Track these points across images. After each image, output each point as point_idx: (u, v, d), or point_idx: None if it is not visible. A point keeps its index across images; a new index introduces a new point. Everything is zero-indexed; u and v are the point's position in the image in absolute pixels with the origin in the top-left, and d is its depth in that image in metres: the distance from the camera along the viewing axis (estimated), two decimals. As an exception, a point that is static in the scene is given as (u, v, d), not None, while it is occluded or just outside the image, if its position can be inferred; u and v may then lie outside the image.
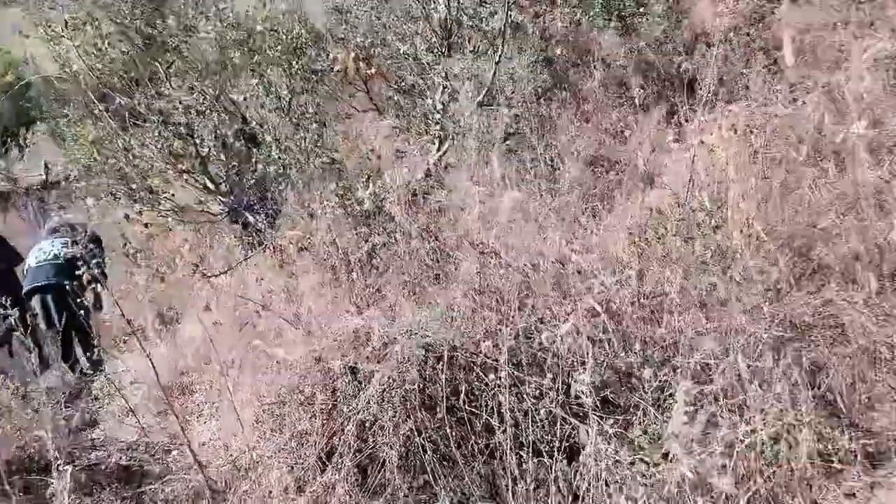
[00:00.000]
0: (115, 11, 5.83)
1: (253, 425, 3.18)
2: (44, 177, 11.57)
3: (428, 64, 5.00)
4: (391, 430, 2.61)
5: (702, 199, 3.13)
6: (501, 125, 4.01)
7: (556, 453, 2.37)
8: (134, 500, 3.22)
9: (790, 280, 2.65)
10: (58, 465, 2.60)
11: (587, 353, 2.30)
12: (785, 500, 2.18)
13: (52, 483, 2.59)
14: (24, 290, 5.14)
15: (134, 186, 5.00)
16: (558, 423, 2.37)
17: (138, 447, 3.87)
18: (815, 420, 2.29)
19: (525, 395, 2.47)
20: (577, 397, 2.34)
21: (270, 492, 2.79)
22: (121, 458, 3.78)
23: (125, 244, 5.93)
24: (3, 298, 3.36)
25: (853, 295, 2.63)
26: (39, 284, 5.08)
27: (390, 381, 2.64)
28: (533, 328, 2.68)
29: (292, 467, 2.84)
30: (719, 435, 2.05)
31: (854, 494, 2.21)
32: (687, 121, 3.54)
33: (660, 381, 2.34)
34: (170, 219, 5.49)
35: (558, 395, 2.42)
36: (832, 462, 2.23)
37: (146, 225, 5.67)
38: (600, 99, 4.90)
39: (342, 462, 2.69)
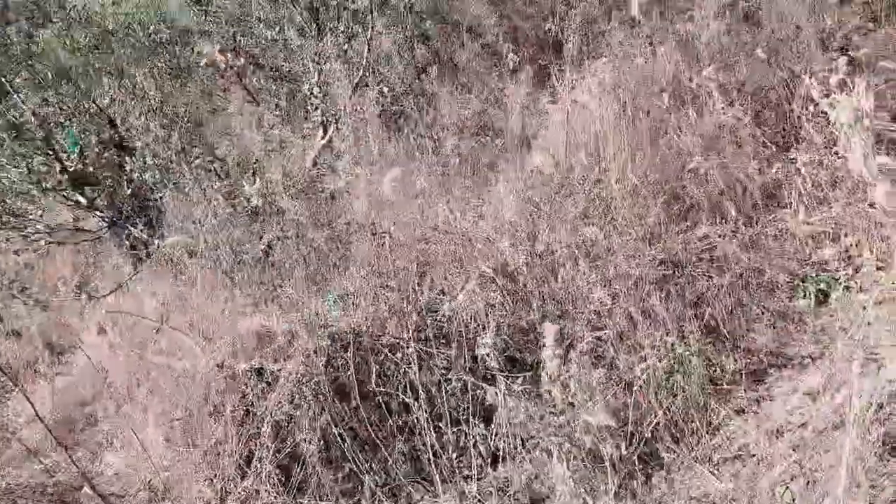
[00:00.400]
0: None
1: (165, 444, 3.05)
2: None
3: (299, 48, 4.87)
4: (307, 426, 2.58)
5: (579, 156, 3.26)
6: (377, 105, 3.98)
7: (471, 419, 2.43)
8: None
9: (665, 221, 2.82)
10: None
11: (487, 317, 2.36)
12: (683, 427, 2.35)
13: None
14: None
15: (-5, 213, 4.59)
16: (469, 390, 2.42)
17: (45, 490, 3.63)
18: (703, 349, 2.48)
19: (435, 368, 2.51)
20: (483, 361, 2.41)
21: (191, 508, 2.70)
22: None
23: (-1, 276, 5.47)
24: None
25: (722, 228, 2.84)
26: None
27: (299, 376, 2.60)
28: (435, 301, 2.72)
29: (211, 480, 2.76)
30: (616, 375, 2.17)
31: (742, 410, 2.41)
32: (559, 81, 3.66)
33: (559, 334, 2.44)
34: (43, 242, 5.09)
35: (466, 363, 2.48)
36: (721, 384, 2.43)
37: (16, 252, 5.24)
38: (477, 69, 4.96)
39: (262, 466, 2.64)
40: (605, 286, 2.62)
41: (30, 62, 5.68)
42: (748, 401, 2.41)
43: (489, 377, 2.40)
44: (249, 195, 4.40)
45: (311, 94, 4.65)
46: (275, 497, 2.59)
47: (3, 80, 5.24)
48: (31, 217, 4.89)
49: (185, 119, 5.56)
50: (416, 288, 2.67)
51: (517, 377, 2.40)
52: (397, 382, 2.54)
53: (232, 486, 2.71)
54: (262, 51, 5.36)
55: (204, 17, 5.61)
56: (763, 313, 2.74)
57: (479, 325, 2.51)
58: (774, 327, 2.65)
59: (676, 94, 3.34)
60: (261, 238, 4.06)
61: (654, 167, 3.18)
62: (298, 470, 2.64)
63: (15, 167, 4.47)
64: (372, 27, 4.73)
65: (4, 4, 5.90)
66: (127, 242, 5.01)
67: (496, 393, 2.32)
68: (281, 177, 4.46)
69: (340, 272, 3.03)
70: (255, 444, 2.69)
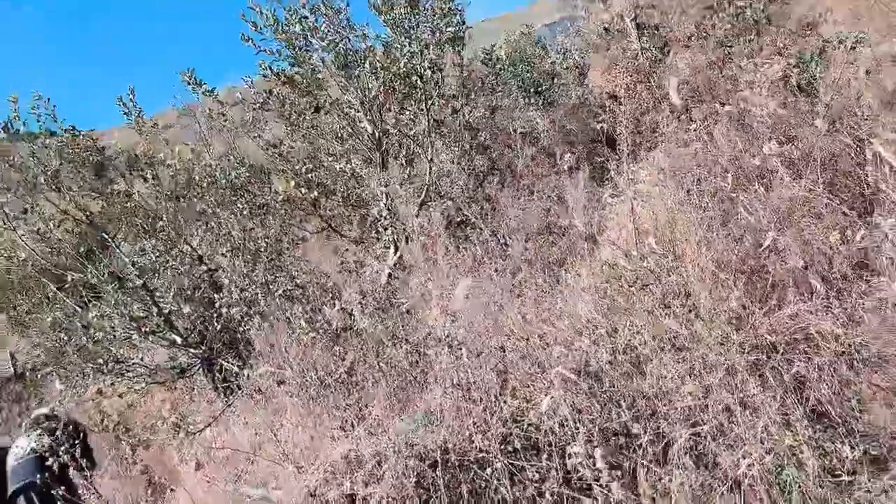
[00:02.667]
0: (55, 195, 5.94)
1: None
2: (11, 370, 11.28)
3: (366, 175, 5.18)
4: (403, 552, 2.51)
5: (650, 244, 3.22)
6: (443, 219, 4.12)
7: (569, 534, 2.30)
8: None
9: (749, 303, 2.71)
10: None
11: (575, 423, 2.28)
12: (804, 526, 2.13)
13: None
14: (9, 492, 4.92)
15: (101, 360, 4.92)
16: (565, 502, 2.31)
17: None
18: (813, 437, 2.28)
19: (527, 481, 2.41)
20: (576, 470, 2.31)
21: None
22: None
23: (102, 419, 5.79)
24: None
25: (812, 304, 2.69)
26: (22, 484, 4.88)
27: (390, 500, 2.56)
28: (520, 410, 2.66)
29: None
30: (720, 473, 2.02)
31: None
32: (618, 174, 3.70)
33: (652, 434, 2.32)
34: (144, 383, 5.39)
35: (559, 473, 2.38)
36: (840, 475, 2.21)
37: (121, 395, 5.56)
38: (535, 171, 5.11)
39: None
40: (695, 378, 2.50)
41: (128, 216, 6.29)
42: (873, 492, 2.17)
43: (585, 487, 2.28)
44: (330, 318, 4.56)
45: (381, 216, 4.89)
46: None
47: (104, 235, 5.81)
48: (132, 361, 5.21)
49: (267, 252, 5.91)
50: (498, 397, 2.63)
51: (612, 483, 2.28)
52: (489, 500, 2.46)
53: None
54: (333, 182, 5.72)
55: (278, 158, 6.09)
56: (875, 392, 2.51)
57: (567, 431, 2.43)
58: (891, 406, 2.42)
59: (740, 174, 3.30)
60: (343, 359, 4.15)
61: (729, 248, 3.09)
62: None
63: (119, 316, 4.83)
64: (431, 146, 4.99)
65: (100, 164, 6.62)
66: (219, 375, 5.23)
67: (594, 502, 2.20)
68: (358, 297, 4.61)
69: (422, 388, 3.03)
70: (350, 576, 2.63)
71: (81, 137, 6.37)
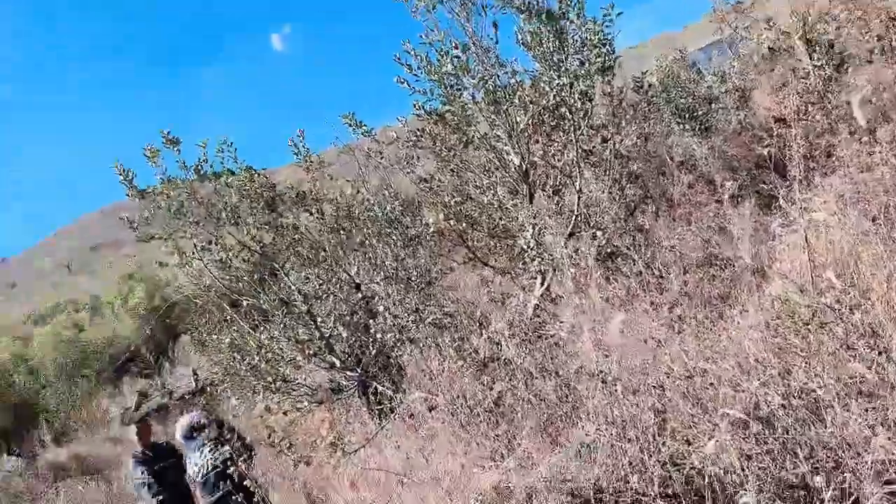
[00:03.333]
0: (233, 228, 6.61)
1: None
2: (193, 385, 12.64)
3: (513, 206, 5.24)
4: (554, 591, 2.45)
5: (829, 279, 2.93)
6: (593, 250, 4.04)
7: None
8: None
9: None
10: None
11: (744, 470, 2.11)
12: None
13: None
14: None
15: (270, 379, 5.36)
16: (735, 557, 2.13)
17: None
18: None
19: (691, 529, 2.26)
20: (747, 523, 2.13)
21: None
22: None
23: (269, 434, 6.27)
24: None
25: None
26: (217, 498, 5.23)
27: (541, 535, 2.52)
28: (680, 452, 2.51)
29: None
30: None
31: None
32: (788, 202, 3.42)
33: (836, 488, 2.08)
34: (306, 402, 5.78)
35: (726, 524, 2.21)
36: None
37: (285, 413, 6.00)
38: (693, 200, 4.87)
39: None
40: (888, 430, 2.21)
41: (295, 248, 6.84)
42: None
43: (758, 542, 2.10)
44: (477, 347, 4.62)
45: (528, 246, 4.90)
46: None
47: (275, 264, 6.36)
48: (297, 381, 5.62)
49: (417, 281, 6.14)
50: (657, 438, 2.50)
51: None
52: (649, 545, 2.33)
53: None
54: (480, 214, 5.84)
55: (428, 192, 6.35)
56: None
57: (735, 479, 2.25)
58: None
59: (938, 199, 2.92)
60: (491, 389, 4.18)
61: (927, 283, 2.73)
62: None
63: (286, 339, 5.24)
64: (580, 176, 4.94)
65: (272, 200, 7.27)
66: (374, 398, 5.47)
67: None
68: (505, 327, 4.63)
69: (573, 423, 2.97)
70: None
71: (257, 176, 7.08)
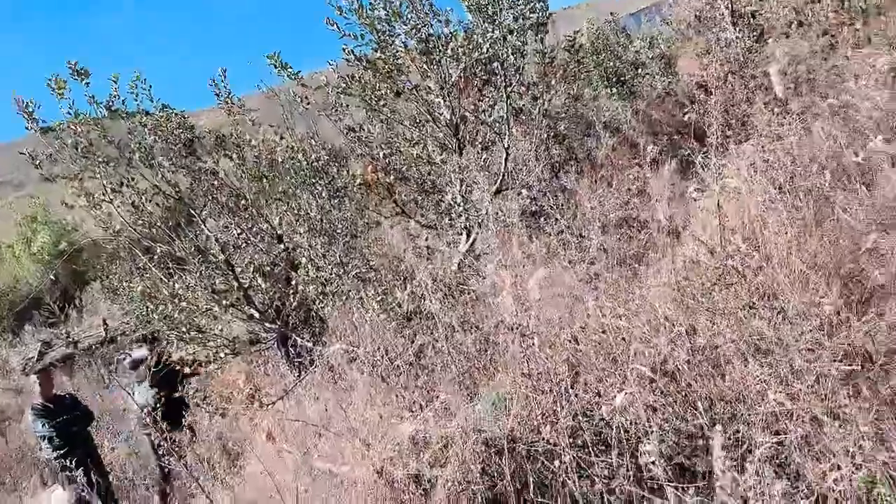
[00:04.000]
0: (147, 171, 6.24)
1: (328, 552, 3.10)
2: (103, 334, 12.07)
3: (441, 162, 5.19)
4: (465, 536, 2.52)
5: (736, 243, 3.08)
6: (517, 207, 4.08)
7: (637, 534, 2.24)
8: None
9: (844, 310, 2.54)
10: None
11: (649, 422, 2.22)
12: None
13: None
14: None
15: (184, 329, 5.17)
16: (634, 501, 2.25)
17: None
18: (911, 453, 2.13)
19: (595, 477, 2.37)
20: (648, 470, 2.24)
21: None
22: None
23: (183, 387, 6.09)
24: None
25: (917, 313, 2.50)
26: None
27: (455, 484, 2.58)
28: (591, 404, 2.61)
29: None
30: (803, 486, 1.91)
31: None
32: (704, 168, 3.55)
33: (731, 437, 2.23)
34: (221, 354, 5.63)
35: (629, 471, 2.32)
36: (939, 496, 2.05)
37: (200, 364, 5.83)
38: (615, 162, 4.97)
39: (421, 577, 2.59)
40: (781, 384, 2.37)
41: (213, 194, 6.55)
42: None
43: (656, 488, 2.22)
44: (401, 301, 4.62)
45: (455, 202, 4.89)
46: None
47: (192, 210, 6.08)
48: (213, 332, 5.45)
49: (343, 234, 6.03)
50: (569, 391, 2.59)
51: (687, 488, 2.20)
52: (557, 491, 2.43)
53: None
54: (409, 167, 5.76)
55: (357, 142, 6.19)
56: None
57: (640, 430, 2.36)
58: None
59: (839, 171, 3.10)
60: (412, 342, 4.20)
61: (823, 250, 2.91)
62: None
63: (202, 288, 5.05)
64: (508, 135, 4.94)
65: (190, 143, 6.92)
66: (293, 351, 5.40)
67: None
68: (429, 282, 4.64)
69: (490, 375, 3.02)
70: (415, 554, 2.67)
71: (174, 116, 6.68)
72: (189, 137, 6.70)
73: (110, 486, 5.83)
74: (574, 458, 2.33)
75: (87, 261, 15.41)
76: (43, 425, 5.47)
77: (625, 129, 5.65)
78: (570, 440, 2.43)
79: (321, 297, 5.32)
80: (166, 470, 5.50)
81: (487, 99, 5.00)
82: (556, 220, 4.33)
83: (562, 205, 4.55)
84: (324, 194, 6.50)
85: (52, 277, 15.11)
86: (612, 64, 6.79)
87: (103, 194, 5.93)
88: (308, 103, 6.32)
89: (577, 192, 4.69)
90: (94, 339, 12.18)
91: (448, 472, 2.62)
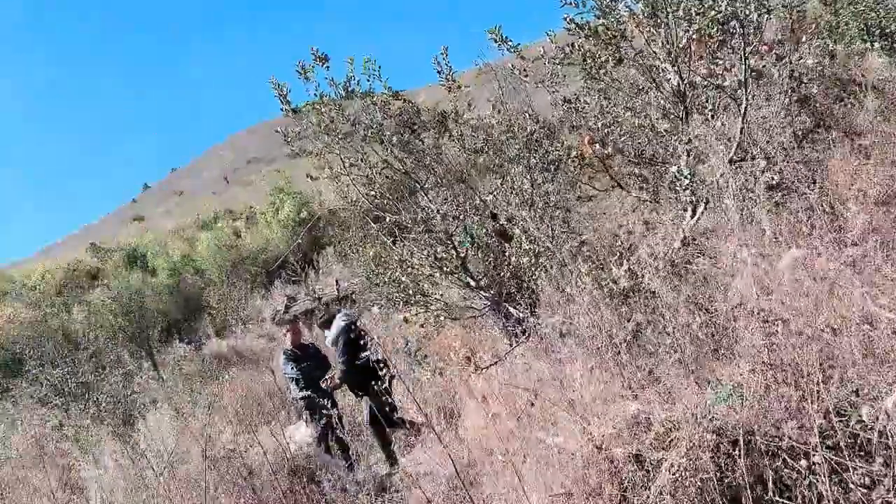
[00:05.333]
0: (378, 147, 6.79)
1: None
2: (336, 293, 13.54)
3: (665, 132, 4.90)
4: (691, 525, 2.41)
5: None
6: (761, 178, 3.70)
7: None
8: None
9: None
10: None
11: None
12: None
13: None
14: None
15: (410, 292, 5.59)
16: (903, 519, 1.97)
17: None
18: None
19: (851, 485, 2.11)
20: (923, 486, 1.94)
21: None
22: (425, 544, 4.05)
23: (406, 344, 6.62)
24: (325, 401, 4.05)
25: None
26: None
27: (681, 469, 2.47)
28: (846, 404, 2.32)
29: (590, 564, 2.76)
30: None
31: None
32: None
33: None
34: (441, 318, 5.99)
35: (894, 483, 2.03)
36: None
37: (421, 325, 6.28)
38: (879, 130, 4.27)
39: (641, 558, 2.55)
40: None
41: (434, 168, 6.92)
42: None
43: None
44: (617, 277, 4.50)
45: (680, 174, 4.60)
46: None
47: (417, 184, 6.50)
48: (433, 297, 5.82)
49: (555, 207, 6.03)
50: (821, 386, 2.32)
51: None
52: (800, 494, 2.21)
53: (609, 575, 2.67)
54: (628, 138, 5.54)
55: (573, 114, 6.09)
56: None
57: (914, 439, 2.05)
58: None
59: None
60: (629, 320, 4.08)
61: None
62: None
63: (425, 256, 5.40)
64: (746, 99, 4.49)
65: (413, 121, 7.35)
66: (506, 320, 5.56)
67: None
68: (649, 259, 4.45)
69: (723, 362, 2.82)
70: (634, 534, 2.62)
71: (399, 97, 7.17)
72: (411, 116, 7.14)
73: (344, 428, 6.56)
74: (826, 459, 2.10)
75: (323, 228, 17.38)
76: (291, 368, 6.34)
77: (890, 90, 4.82)
78: (821, 441, 2.18)
79: (533, 269, 5.38)
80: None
81: (722, 62, 4.58)
82: (803, 194, 3.86)
83: (808, 178, 4.04)
84: (537, 167, 6.52)
85: (296, 242, 17.27)
86: (873, 14, 5.80)
87: (342, 168, 6.59)
88: (526, 75, 6.34)
89: (827, 163, 4.12)
90: (329, 297, 13.74)
91: (674, 455, 2.52)
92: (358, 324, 6.13)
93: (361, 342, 5.36)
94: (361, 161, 6.50)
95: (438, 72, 6.88)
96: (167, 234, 25.49)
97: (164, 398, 9.32)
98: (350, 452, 5.67)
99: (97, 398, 9.85)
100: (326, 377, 6.10)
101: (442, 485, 4.17)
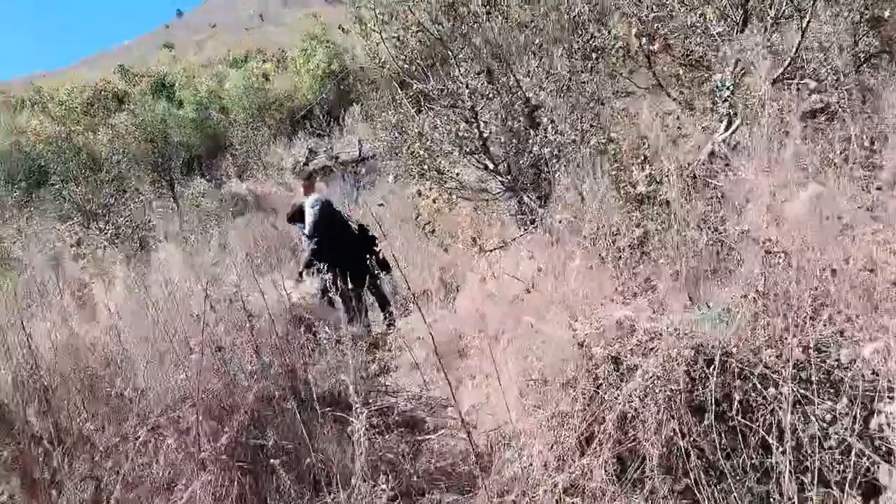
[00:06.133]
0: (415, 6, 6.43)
1: (517, 398, 3.37)
2: (357, 154, 13.48)
3: (718, 35, 4.59)
4: (653, 428, 2.55)
5: None
6: (803, 102, 3.50)
7: (847, 487, 2.08)
8: (414, 446, 3.67)
9: None
10: (356, 407, 3.04)
11: (898, 382, 1.95)
12: None
13: (353, 421, 3.05)
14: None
15: (426, 166, 5.55)
16: (853, 455, 2.06)
17: (420, 399, 4.40)
18: None
19: (813, 417, 2.19)
20: (880, 430, 2.02)
21: (531, 463, 2.94)
22: (406, 406, 4.34)
23: (417, 216, 6.68)
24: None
25: None
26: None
27: (654, 377, 2.57)
28: (829, 342, 2.35)
29: (552, 445, 2.95)
30: None
31: None
32: None
33: None
34: (454, 196, 6.00)
35: (855, 423, 2.11)
36: None
37: (434, 201, 6.30)
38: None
39: (601, 449, 2.72)
40: None
41: (472, 37, 6.60)
42: None
43: (885, 451, 2.00)
44: (636, 181, 4.42)
45: (722, 83, 4.37)
46: (607, 484, 2.65)
47: (450, 52, 6.23)
48: (450, 174, 5.78)
49: (589, 99, 5.80)
50: (808, 322, 2.35)
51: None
52: (763, 418, 2.31)
53: (570, 457, 2.86)
54: (678, 35, 5.21)
55: (625, 1, 5.69)
56: None
57: (883, 387, 2.10)
58: None
59: None
60: (638, 226, 4.06)
61: None
62: (635, 466, 2.65)
63: (447, 131, 5.30)
64: (810, 11, 4.16)
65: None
66: (518, 207, 5.56)
67: (891, 471, 1.92)
68: (672, 166, 4.34)
69: (719, 284, 2.84)
70: (598, 429, 2.78)
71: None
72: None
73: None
74: (794, 391, 2.17)
75: (352, 84, 16.95)
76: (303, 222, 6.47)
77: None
78: (795, 373, 2.25)
79: (554, 161, 5.29)
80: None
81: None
82: (844, 122, 3.68)
83: (858, 107, 3.82)
84: (579, 53, 6.20)
85: (324, 94, 16.95)
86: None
87: (374, 24, 6.31)
88: (580, -52, 5.86)
89: (882, 93, 3.88)
90: (350, 157, 13.70)
91: (650, 362, 2.62)
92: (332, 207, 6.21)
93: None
94: (395, 19, 6.20)
95: (490, -66, 6.36)
96: (196, 66, 25.00)
97: (178, 231, 9.62)
98: (350, 308, 5.92)
99: (116, 221, 10.19)
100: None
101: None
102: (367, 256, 5.18)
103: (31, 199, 13.14)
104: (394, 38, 6.27)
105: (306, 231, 6.16)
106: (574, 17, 6.29)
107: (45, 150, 15.18)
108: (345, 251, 5.83)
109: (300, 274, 5.99)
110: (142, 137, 15.02)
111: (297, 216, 6.44)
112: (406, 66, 6.17)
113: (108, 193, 11.26)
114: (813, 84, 4.06)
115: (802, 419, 2.20)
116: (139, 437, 2.74)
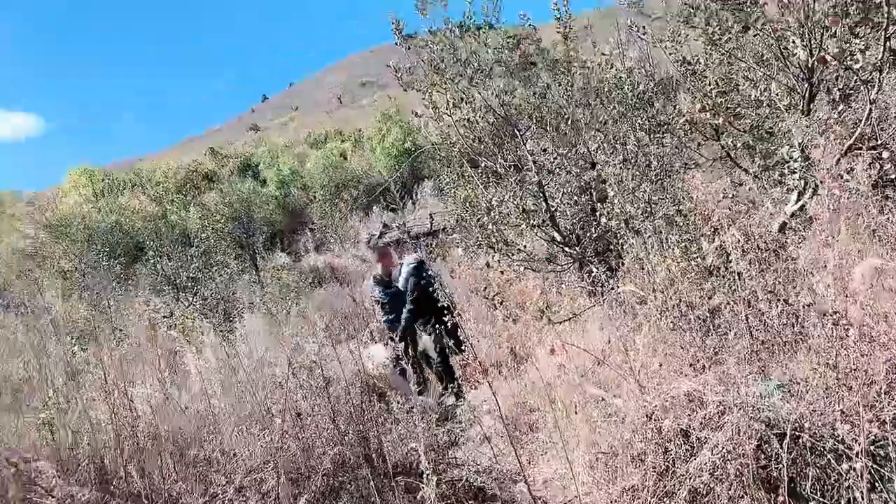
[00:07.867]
0: (483, 90, 6.81)
1: (588, 471, 3.36)
2: (429, 226, 13.93)
3: (785, 109, 4.64)
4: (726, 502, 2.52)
5: None
6: (873, 171, 3.49)
7: (936, 574, 1.99)
8: (484, 519, 3.68)
9: None
10: (427, 475, 3.12)
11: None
12: None
13: (424, 489, 3.12)
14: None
15: (494, 239, 5.74)
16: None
17: (490, 472, 4.41)
18: None
19: (891, 496, 2.13)
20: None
21: (601, 539, 2.92)
22: (476, 479, 4.36)
23: (485, 288, 6.84)
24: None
25: None
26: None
27: (725, 451, 2.55)
28: (906, 417, 2.29)
29: (624, 520, 2.93)
30: None
31: None
32: None
33: None
34: (522, 267, 6.13)
35: (940, 505, 2.03)
36: None
37: (502, 272, 6.45)
38: None
39: (673, 526, 2.69)
40: None
41: (538, 114, 6.88)
42: None
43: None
44: (706, 253, 4.43)
45: (791, 156, 4.39)
46: (679, 561, 2.60)
47: (516, 129, 6.52)
48: (517, 246, 5.95)
49: (657, 171, 5.90)
50: (883, 394, 2.30)
51: None
52: (839, 496, 2.25)
53: (641, 535, 2.83)
54: (744, 109, 5.28)
55: (690, 76, 5.84)
56: None
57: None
58: None
59: None
60: (709, 298, 4.06)
61: None
62: (708, 544, 2.59)
63: (515, 205, 5.51)
64: (879, 83, 4.17)
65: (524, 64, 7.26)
66: (587, 279, 5.63)
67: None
68: (741, 239, 4.34)
69: (789, 355, 2.82)
70: (669, 502, 2.76)
71: (514, 39, 7.09)
72: (529, 54, 7.05)
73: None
74: (868, 468, 2.12)
75: (425, 161, 17.74)
76: (379, 292, 6.74)
77: None
78: (871, 447, 2.20)
79: (622, 233, 5.36)
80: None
81: (859, 40, 4.23)
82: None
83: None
84: (645, 127, 6.36)
85: (398, 172, 17.78)
86: None
87: (446, 107, 6.71)
88: (644, 33, 6.11)
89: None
90: (422, 230, 14.16)
91: (719, 437, 2.60)
92: (426, 267, 6.43)
93: (430, 289, 5.67)
94: (465, 102, 6.58)
95: (557, 18, 6.74)
96: (279, 147, 26.80)
97: (260, 303, 10.14)
98: (422, 380, 6.05)
99: (203, 293, 10.87)
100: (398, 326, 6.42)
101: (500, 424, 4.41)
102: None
103: (130, 273, 14.21)
104: (464, 119, 6.64)
105: (409, 289, 6.36)
106: (638, 93, 6.50)
107: (143, 228, 16.52)
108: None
109: (392, 339, 6.22)
110: (229, 214, 16.14)
111: (382, 282, 6.75)
112: (475, 144, 6.51)
113: (196, 268, 12.02)
114: (886, 154, 4.03)
115: (881, 500, 2.14)
116: (227, 495, 2.92)
